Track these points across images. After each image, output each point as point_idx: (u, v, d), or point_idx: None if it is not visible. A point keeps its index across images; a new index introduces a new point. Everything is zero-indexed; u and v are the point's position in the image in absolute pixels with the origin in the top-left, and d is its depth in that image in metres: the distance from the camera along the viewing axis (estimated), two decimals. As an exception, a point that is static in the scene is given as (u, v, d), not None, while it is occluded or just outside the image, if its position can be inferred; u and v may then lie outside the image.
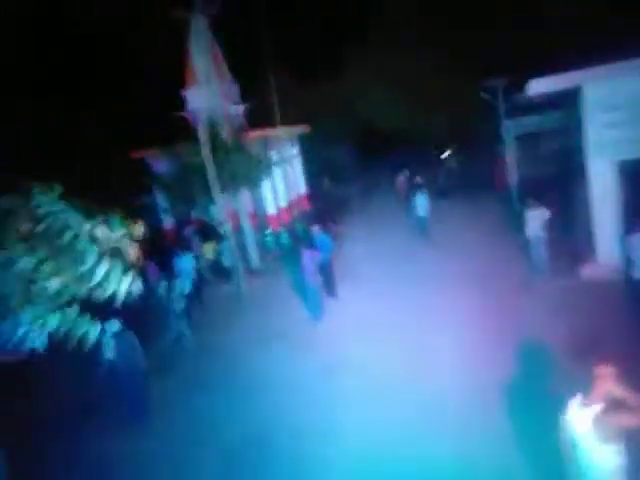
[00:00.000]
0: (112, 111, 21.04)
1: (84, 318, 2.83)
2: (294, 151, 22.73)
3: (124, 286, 2.78)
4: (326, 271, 11.64)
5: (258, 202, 19.00)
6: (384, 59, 26.37)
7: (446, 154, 28.77)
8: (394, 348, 8.87)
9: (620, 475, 3.92)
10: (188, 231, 17.24)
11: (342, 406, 7.52)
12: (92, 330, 2.83)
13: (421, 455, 6.10)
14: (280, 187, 19.74)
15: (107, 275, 2.74)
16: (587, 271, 10.31)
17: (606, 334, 7.40)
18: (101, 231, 2.71)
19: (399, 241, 15.91)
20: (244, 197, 16.18)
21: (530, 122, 18.65)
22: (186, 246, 14.39)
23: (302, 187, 23.58)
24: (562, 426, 4.19)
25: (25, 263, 2.65)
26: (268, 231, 18.10)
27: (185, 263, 12.76)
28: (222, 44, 17.57)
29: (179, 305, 10.47)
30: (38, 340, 2.67)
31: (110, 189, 16.66)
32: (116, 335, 7.77)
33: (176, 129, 15.55)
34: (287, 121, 19.06)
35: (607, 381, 3.94)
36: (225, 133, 14.61)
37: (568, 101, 11.05)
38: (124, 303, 3.01)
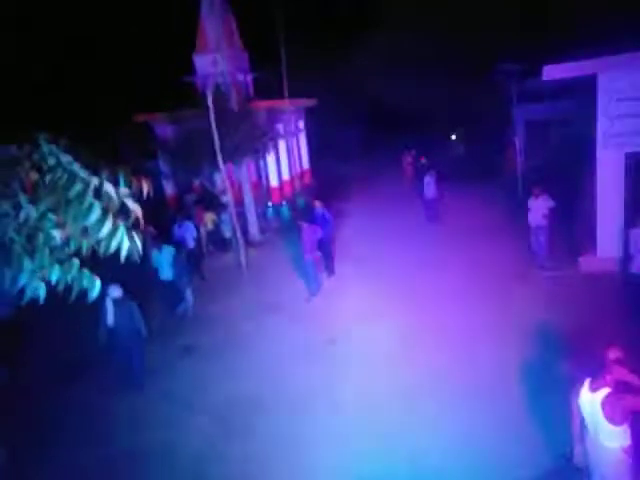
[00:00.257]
0: (120, 73, 20.80)
1: (85, 273, 2.80)
2: (300, 125, 22.50)
3: (126, 245, 2.76)
4: (325, 247, 11.63)
5: (261, 174, 18.90)
6: (396, 37, 25.91)
7: (453, 137, 28.53)
8: (389, 326, 8.95)
9: (626, 454, 4.15)
10: (189, 199, 17.19)
11: (335, 377, 7.63)
12: (92, 286, 2.81)
13: (415, 433, 6.19)
14: (284, 160, 19.59)
15: (110, 233, 2.70)
16: (586, 263, 10.32)
17: (599, 327, 7.47)
18: (109, 186, 2.67)
19: (401, 221, 15.88)
20: (247, 168, 16.08)
21: (541, 109, 18.45)
22: (186, 214, 14.33)
23: (306, 162, 23.40)
24: (572, 408, 4.42)
25: (30, 211, 2.62)
26: (270, 203, 18.04)
27: (184, 232, 12.73)
28: (234, 11, 17.24)
29: (172, 273, 10.47)
30: (38, 291, 2.65)
31: (115, 151, 16.57)
32: (117, 301, 7.73)
33: (183, 94, 15.37)
34: (295, 94, 18.80)
35: (614, 366, 4.13)
36: (232, 101, 14.44)
37: (581, 90, 10.91)
38: (125, 264, 2.99)
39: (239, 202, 15.02)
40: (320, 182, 22.84)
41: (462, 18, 23.95)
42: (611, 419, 4.05)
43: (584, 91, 10.39)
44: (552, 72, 9.68)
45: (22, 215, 2.67)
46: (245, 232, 14.89)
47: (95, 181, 2.65)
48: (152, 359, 8.52)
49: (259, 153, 15.08)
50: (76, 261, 2.75)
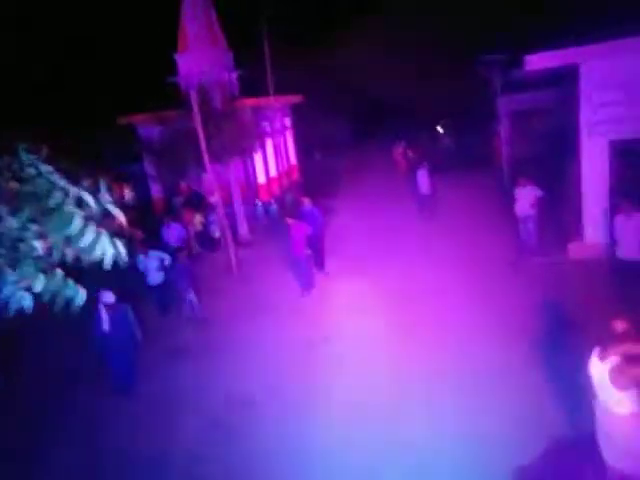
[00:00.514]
0: (102, 75, 20.59)
1: (70, 282, 2.78)
2: (286, 121, 22.45)
3: (110, 252, 2.74)
4: (315, 244, 11.61)
5: (248, 172, 18.84)
6: (381, 30, 25.91)
7: (440, 129, 28.60)
8: (382, 321, 8.98)
9: (636, 420, 4.28)
10: (177, 201, 17.08)
11: (330, 374, 7.64)
12: (78, 295, 2.79)
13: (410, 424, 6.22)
14: (271, 158, 19.54)
15: (94, 241, 2.68)
16: (574, 249, 10.41)
17: (589, 310, 7.56)
18: (88, 196, 2.65)
19: (391, 213, 15.88)
20: (234, 167, 16.00)
21: (525, 99, 18.50)
22: (174, 216, 14.25)
23: (293, 158, 23.36)
24: (583, 379, 4.59)
25: (11, 222, 2.59)
26: (258, 202, 18.00)
27: (173, 233, 12.67)
28: (217, 9, 17.11)
29: (160, 278, 10.44)
30: (24, 302, 2.63)
31: (98, 156, 16.40)
32: (110, 307, 7.67)
33: (167, 95, 15.25)
34: (280, 90, 18.75)
35: (622, 337, 4.38)
36: (217, 100, 14.35)
37: (564, 79, 10.97)
38: (112, 271, 2.97)
39: (227, 202, 14.96)
40: (308, 178, 22.80)
41: (447, 7, 24.00)
42: (620, 386, 4.21)
43: (568, 80, 10.45)
44: (534, 62, 9.73)
45: (3, 226, 2.64)
46: (234, 232, 14.84)
47: (75, 190, 2.64)
48: (145, 361, 8.49)
49: (246, 152, 15.01)
50: (59, 271, 2.73)
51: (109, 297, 7.69)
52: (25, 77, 20.54)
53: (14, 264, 2.63)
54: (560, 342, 7.18)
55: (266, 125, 18.32)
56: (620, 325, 4.47)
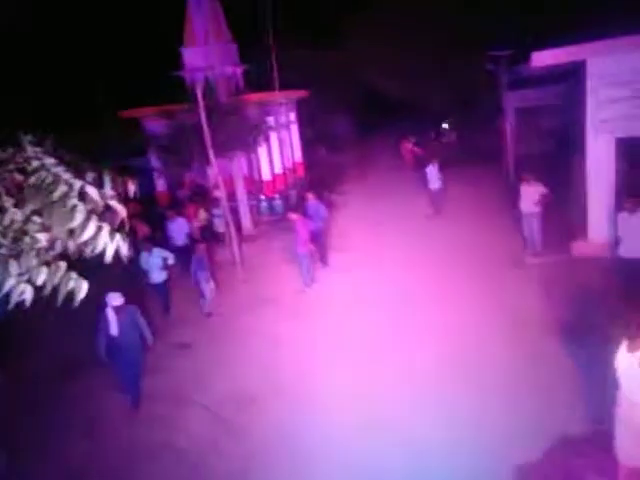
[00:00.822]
0: (107, 68, 20.59)
1: (73, 274, 2.80)
2: (292, 116, 22.39)
3: (113, 246, 2.75)
4: (319, 240, 11.64)
5: (253, 167, 18.82)
6: (386, 25, 25.73)
7: (445, 125, 28.45)
8: (385, 315, 8.98)
9: None
10: (182, 195, 17.10)
11: (334, 369, 7.65)
12: (80, 288, 2.80)
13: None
14: (276, 153, 19.51)
15: (96, 234, 2.70)
16: (578, 247, 10.37)
17: (591, 308, 7.55)
18: (92, 189, 2.66)
19: (396, 212, 15.84)
20: (239, 161, 16.01)
21: (531, 95, 18.42)
22: (179, 210, 14.26)
23: (299, 154, 23.31)
24: (607, 370, 4.55)
25: (15, 215, 2.61)
26: (262, 197, 17.99)
27: (177, 227, 12.68)
28: (223, 3, 17.06)
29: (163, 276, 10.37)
30: (25, 294, 2.65)
31: (103, 149, 16.42)
32: (118, 309, 7.30)
33: (172, 88, 15.24)
34: (286, 85, 18.68)
35: None
36: (222, 95, 14.35)
37: (570, 76, 10.90)
38: (114, 266, 2.98)
39: (232, 196, 14.97)
40: (314, 174, 22.75)
41: (457, 4, 23.77)
42: None
43: (574, 76, 10.38)
44: (541, 58, 9.67)
45: (7, 218, 2.66)
46: (238, 226, 14.86)
47: (78, 183, 2.65)
48: (149, 357, 8.47)
49: (250, 146, 15.00)
50: (63, 263, 2.75)
51: (117, 299, 7.29)
52: (30, 69, 20.57)
53: (17, 256, 2.65)
54: (567, 339, 7.17)
55: (271, 120, 18.27)
56: None
